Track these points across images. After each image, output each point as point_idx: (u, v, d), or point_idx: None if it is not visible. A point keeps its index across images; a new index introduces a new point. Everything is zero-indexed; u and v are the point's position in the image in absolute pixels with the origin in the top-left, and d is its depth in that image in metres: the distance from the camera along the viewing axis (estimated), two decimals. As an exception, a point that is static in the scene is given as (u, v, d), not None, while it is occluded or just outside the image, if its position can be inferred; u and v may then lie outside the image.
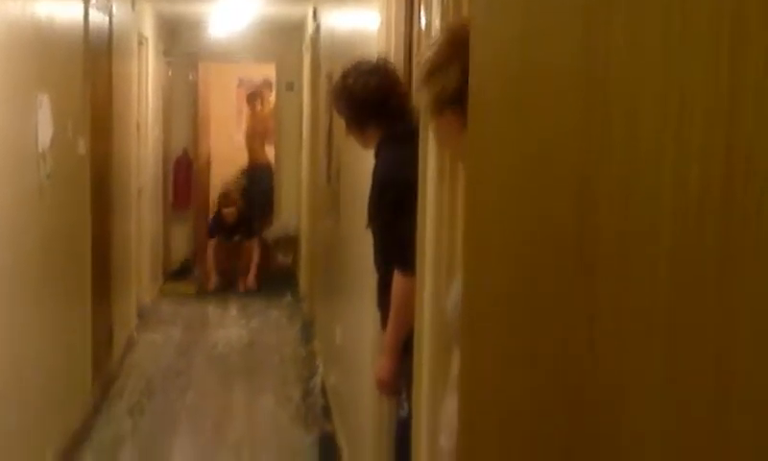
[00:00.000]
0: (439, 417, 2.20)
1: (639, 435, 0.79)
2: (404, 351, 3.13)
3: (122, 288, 7.45)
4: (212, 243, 9.93)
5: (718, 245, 0.66)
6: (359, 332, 4.55)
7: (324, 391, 6.25)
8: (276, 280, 10.40)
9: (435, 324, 2.52)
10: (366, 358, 4.13)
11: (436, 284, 2.50)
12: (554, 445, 1.01)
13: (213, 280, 9.94)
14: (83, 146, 5.60)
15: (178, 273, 10.82)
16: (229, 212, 9.92)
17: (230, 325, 8.61)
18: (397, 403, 3.34)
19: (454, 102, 1.93)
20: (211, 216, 10.47)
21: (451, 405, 2.01)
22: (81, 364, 5.75)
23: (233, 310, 9.19)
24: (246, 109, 12.57)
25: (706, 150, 0.69)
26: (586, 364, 0.90)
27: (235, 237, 10.00)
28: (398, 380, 3.25)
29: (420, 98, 2.21)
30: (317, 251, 8.23)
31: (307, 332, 8.10)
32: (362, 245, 4.24)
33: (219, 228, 10.04)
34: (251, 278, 10.00)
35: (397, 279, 3.10)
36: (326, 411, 5.90)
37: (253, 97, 12.47)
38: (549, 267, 1.06)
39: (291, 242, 10.84)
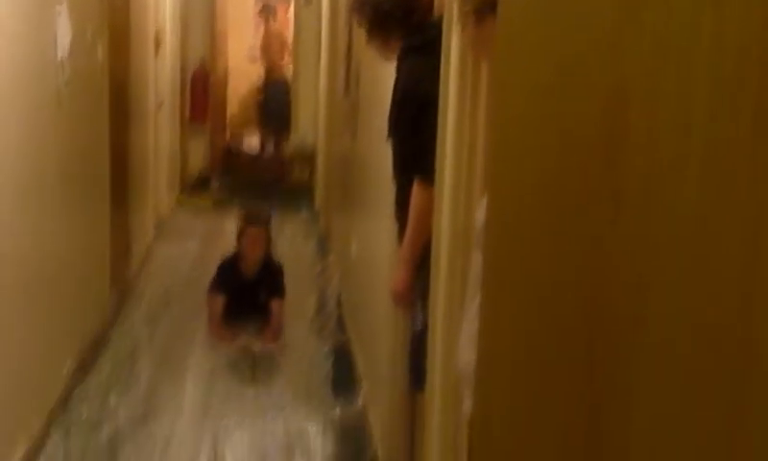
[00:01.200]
0: (460, 336, 2.21)
1: (666, 328, 0.79)
2: (420, 264, 3.15)
3: (139, 200, 7.48)
4: (218, 301, 5.84)
5: (751, 140, 0.66)
6: (375, 246, 4.57)
7: (339, 304, 6.31)
8: (293, 196, 10.42)
9: (453, 236, 2.53)
10: (381, 272, 4.16)
11: (455, 196, 2.50)
12: (578, 345, 1.02)
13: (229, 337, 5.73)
14: (101, 52, 5.58)
15: (195, 186, 10.86)
16: (252, 259, 5.95)
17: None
18: (412, 316, 3.36)
19: (495, 9, 1.92)
20: (221, 263, 6.12)
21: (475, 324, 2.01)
22: (99, 274, 5.81)
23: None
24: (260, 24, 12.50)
25: (742, 47, 0.68)
26: (611, 266, 0.91)
27: (258, 297, 5.89)
28: (413, 293, 3.28)
29: (457, 6, 2.18)
30: (333, 165, 8.23)
31: (323, 247, 8.14)
32: (379, 158, 4.24)
33: (232, 281, 5.89)
34: (271, 332, 5.73)
35: (416, 192, 3.11)
36: (341, 324, 5.96)
37: (265, 11, 12.36)
38: (576, 173, 1.06)
39: (307, 157, 10.83)
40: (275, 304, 5.85)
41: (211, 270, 7.41)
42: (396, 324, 3.83)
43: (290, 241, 8.50)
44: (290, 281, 7.04)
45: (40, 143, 4.30)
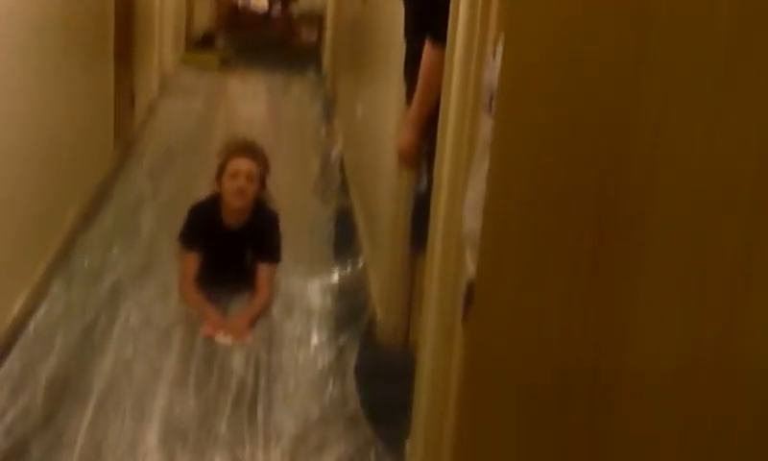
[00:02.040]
0: (465, 201, 2.19)
1: (673, 198, 0.78)
2: (428, 126, 3.12)
3: (144, 55, 7.40)
4: (191, 257, 4.29)
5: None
6: (381, 110, 4.54)
7: (342, 167, 6.30)
8: (300, 57, 10.30)
9: (462, 98, 2.50)
10: (386, 135, 4.13)
11: (466, 57, 2.46)
12: (588, 213, 1.01)
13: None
14: None
15: (200, 44, 10.72)
16: (237, 206, 4.32)
17: (252, 98, 8.59)
18: (417, 178, 3.36)
19: None
20: (194, 206, 4.52)
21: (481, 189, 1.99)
22: (103, 127, 5.79)
23: (255, 84, 9.14)
24: None
25: None
26: (627, 136, 0.89)
27: (242, 256, 4.37)
28: (420, 154, 3.26)
29: None
30: (343, 28, 8.11)
31: (328, 109, 8.08)
32: (390, 22, 4.17)
33: (209, 231, 4.37)
34: (247, 314, 4.10)
35: (427, 52, 3.06)
36: (344, 187, 5.96)
37: None
38: (599, 36, 1.03)
39: (316, 18, 10.67)
40: (262, 271, 4.26)
41: (216, 130, 7.38)
42: (400, 186, 3.83)
43: (296, 102, 8.44)
44: (294, 142, 7.02)
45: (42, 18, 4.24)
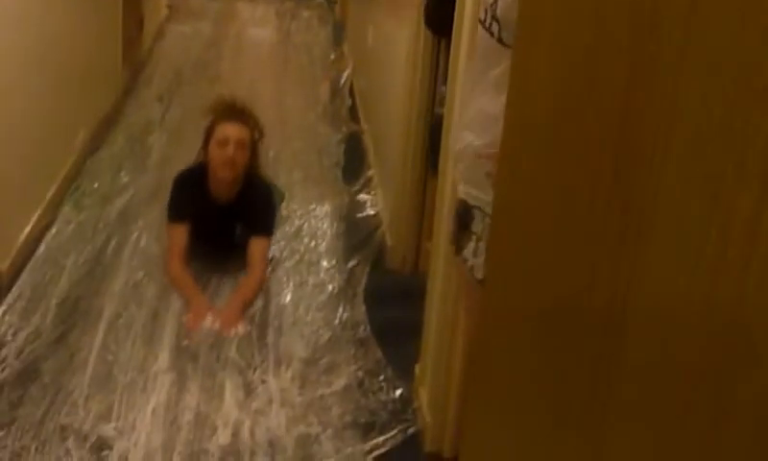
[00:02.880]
0: (467, 114, 2.17)
1: (693, 140, 0.77)
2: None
3: (152, -23, 7.32)
4: (179, 230, 3.85)
5: None
6: (392, 34, 4.49)
7: (352, 93, 6.25)
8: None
9: (473, 18, 2.47)
10: (398, 59, 4.09)
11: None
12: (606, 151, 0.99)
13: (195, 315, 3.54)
14: None
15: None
16: (224, 178, 3.84)
17: (261, 22, 8.50)
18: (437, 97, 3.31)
19: None
20: (178, 176, 4.05)
21: (489, 105, 1.97)
22: (111, 50, 5.74)
23: (264, 8, 9.04)
24: None
25: None
26: (647, 83, 0.87)
27: (231, 231, 3.94)
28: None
29: None
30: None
31: (338, 35, 8.00)
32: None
33: (196, 204, 3.91)
34: (236, 307, 3.56)
35: None
36: (354, 112, 5.92)
37: None
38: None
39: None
40: (254, 246, 3.82)
41: (224, 54, 7.29)
42: (410, 111, 3.80)
43: (305, 27, 8.36)
44: (303, 67, 6.95)
45: None
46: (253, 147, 3.95)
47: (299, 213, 4.38)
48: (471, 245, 2.05)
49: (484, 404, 1.22)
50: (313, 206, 4.48)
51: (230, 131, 3.82)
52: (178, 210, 3.89)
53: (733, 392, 0.72)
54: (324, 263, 3.97)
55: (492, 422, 1.20)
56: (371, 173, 4.89)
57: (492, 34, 1.97)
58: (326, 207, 4.49)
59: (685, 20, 0.79)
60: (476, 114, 2.05)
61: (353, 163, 5.09)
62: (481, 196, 2.00)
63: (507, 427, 1.15)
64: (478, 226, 2.03)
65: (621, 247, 0.91)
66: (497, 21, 1.96)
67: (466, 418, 1.47)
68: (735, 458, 0.71)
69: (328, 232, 4.26)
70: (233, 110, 3.94)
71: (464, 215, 2.07)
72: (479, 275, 2.01)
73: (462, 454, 1.43)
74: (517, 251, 1.18)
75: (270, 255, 3.91)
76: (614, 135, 0.93)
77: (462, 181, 2.12)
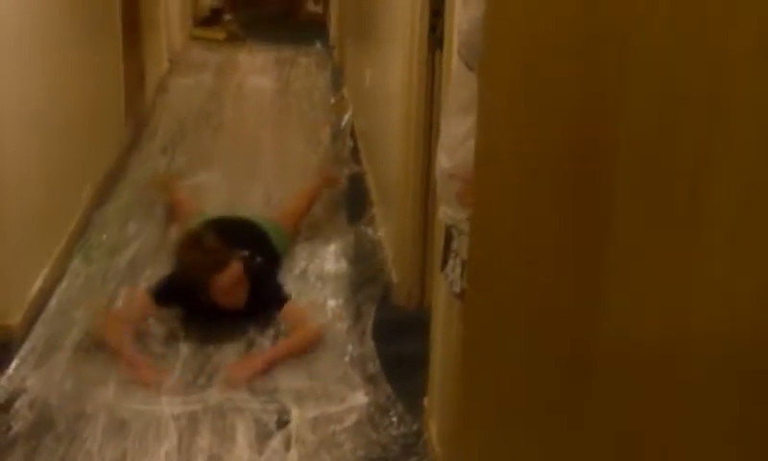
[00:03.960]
0: (441, 137, 2.23)
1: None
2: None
3: (152, 33, 7.42)
4: (146, 302, 3.76)
5: None
6: (389, 74, 4.56)
7: (353, 134, 6.32)
8: (307, 29, 10.30)
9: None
10: (395, 98, 4.15)
11: None
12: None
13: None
14: None
15: (207, 20, 10.72)
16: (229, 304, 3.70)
17: (261, 71, 8.61)
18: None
19: None
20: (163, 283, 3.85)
21: (456, 127, 2.05)
22: (114, 105, 5.82)
23: (264, 57, 9.15)
24: None
25: None
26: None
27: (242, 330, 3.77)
28: None
29: None
30: (347, -3, 8.11)
31: (337, 79, 8.10)
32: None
33: (197, 310, 3.77)
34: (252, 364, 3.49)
35: None
36: (355, 153, 5.99)
37: None
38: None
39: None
40: (287, 313, 3.75)
41: (226, 103, 7.39)
42: (410, 151, 3.86)
43: (304, 73, 8.46)
44: (304, 113, 7.04)
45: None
46: (245, 262, 3.72)
47: (304, 255, 4.43)
48: (451, 262, 2.13)
49: (475, 408, 1.26)
50: (318, 248, 4.53)
51: (231, 276, 3.62)
52: (164, 299, 3.73)
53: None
54: (332, 303, 4.01)
55: (483, 429, 1.24)
56: (374, 212, 4.95)
57: (460, 57, 2.04)
58: (332, 248, 4.54)
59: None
60: (447, 136, 2.13)
61: (356, 204, 5.14)
62: (454, 215, 2.09)
63: (496, 430, 1.19)
64: (455, 243, 2.11)
65: (585, 261, 0.96)
66: (463, 46, 2.03)
67: (460, 427, 1.51)
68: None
69: (334, 272, 4.31)
70: (218, 257, 3.64)
71: (446, 234, 2.16)
72: (456, 289, 2.10)
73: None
74: (493, 267, 1.22)
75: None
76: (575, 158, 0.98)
77: (441, 202, 2.21)
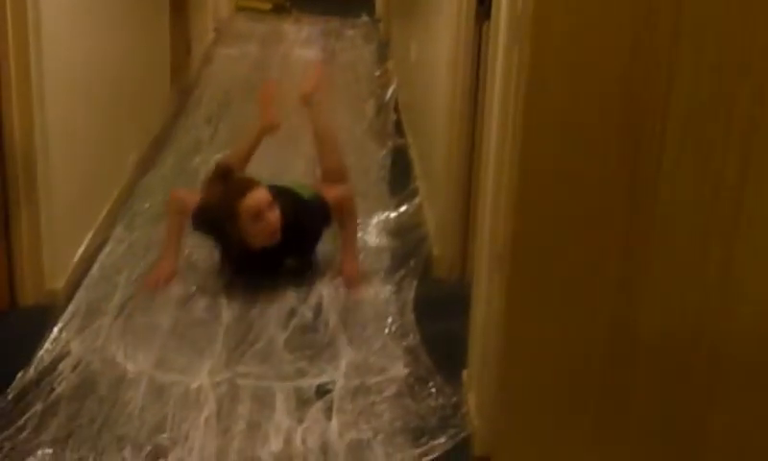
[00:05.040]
0: None
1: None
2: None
3: (198, 2, 7.44)
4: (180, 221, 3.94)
5: None
6: (434, 49, 4.53)
7: (397, 108, 6.30)
8: (353, 1, 10.26)
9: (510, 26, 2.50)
10: (440, 73, 4.13)
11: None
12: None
13: None
14: None
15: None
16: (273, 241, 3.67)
17: (306, 43, 8.60)
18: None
19: None
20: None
21: None
22: (160, 74, 5.85)
23: (309, 29, 9.14)
24: None
25: None
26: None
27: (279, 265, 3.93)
28: None
29: None
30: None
31: (382, 52, 8.07)
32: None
33: (232, 251, 3.84)
34: (354, 268, 3.95)
35: None
36: (399, 127, 5.97)
37: None
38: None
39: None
40: (332, 198, 3.93)
41: (272, 74, 7.38)
42: (453, 124, 3.84)
43: (350, 45, 8.44)
44: (349, 85, 7.02)
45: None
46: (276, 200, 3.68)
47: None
48: None
49: (516, 383, 1.25)
50: (360, 220, 4.52)
51: (255, 201, 3.59)
52: (198, 224, 3.80)
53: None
54: (373, 275, 4.01)
55: (524, 404, 1.23)
56: (416, 185, 4.93)
57: None
58: (374, 220, 4.54)
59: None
60: None
61: (399, 177, 5.13)
62: None
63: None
64: None
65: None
66: None
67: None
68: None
69: (376, 245, 4.30)
70: (244, 185, 3.68)
71: None
72: None
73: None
74: (536, 238, 1.21)
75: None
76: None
77: None
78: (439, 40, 4.28)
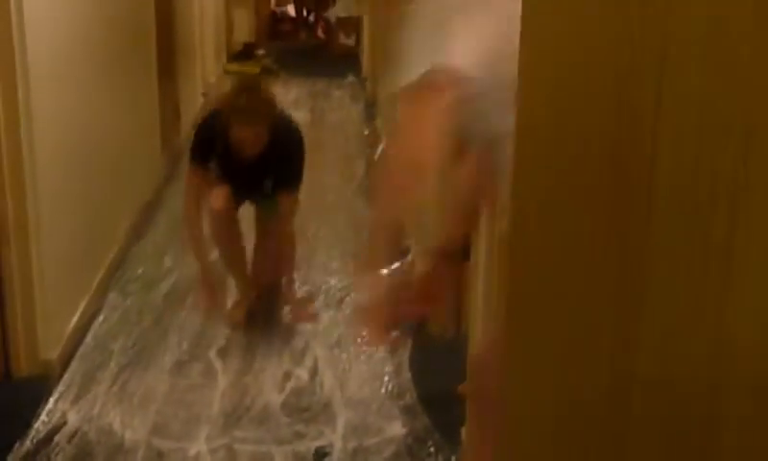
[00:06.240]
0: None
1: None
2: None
3: (187, 68, 7.51)
4: (200, 173, 3.95)
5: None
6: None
7: (387, 166, 6.33)
8: (340, 62, 10.37)
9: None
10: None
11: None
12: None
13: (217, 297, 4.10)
14: None
15: (241, 54, 10.83)
16: (249, 145, 3.81)
17: (295, 104, 8.66)
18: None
19: None
20: (200, 127, 4.13)
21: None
22: (150, 140, 5.89)
23: (297, 91, 9.22)
24: None
25: None
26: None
27: (260, 186, 3.98)
28: None
29: None
30: (380, 30, 8.16)
31: (370, 112, 8.14)
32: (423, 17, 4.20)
33: (222, 158, 3.91)
34: (267, 260, 4.23)
35: None
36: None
37: None
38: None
39: (353, 22, 10.73)
40: (283, 201, 3.97)
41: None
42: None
43: (337, 106, 8.51)
44: (337, 145, 7.06)
45: (88, 11, 4.33)
46: (270, 112, 3.89)
47: (339, 287, 4.44)
48: None
49: (514, 442, 1.26)
50: (350, 282, 4.53)
51: (245, 132, 3.76)
52: (201, 151, 3.93)
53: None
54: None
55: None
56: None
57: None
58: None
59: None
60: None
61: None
62: None
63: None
64: None
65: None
66: None
67: None
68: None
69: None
70: (244, 115, 3.77)
71: None
72: None
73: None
74: (530, 298, 1.22)
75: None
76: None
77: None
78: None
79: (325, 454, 3.12)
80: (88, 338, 3.93)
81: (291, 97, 8.97)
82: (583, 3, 1.09)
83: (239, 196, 4.02)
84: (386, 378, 3.62)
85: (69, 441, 3.18)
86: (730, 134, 0.82)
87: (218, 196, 3.87)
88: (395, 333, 2.28)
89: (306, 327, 4.06)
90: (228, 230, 4.03)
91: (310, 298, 4.32)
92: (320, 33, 12.02)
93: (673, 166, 0.89)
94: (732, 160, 0.82)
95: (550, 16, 1.20)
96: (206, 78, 8.80)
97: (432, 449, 3.13)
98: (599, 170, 1.06)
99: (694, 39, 0.87)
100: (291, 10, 12.64)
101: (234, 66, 10.28)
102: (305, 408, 3.41)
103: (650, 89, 0.95)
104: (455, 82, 1.87)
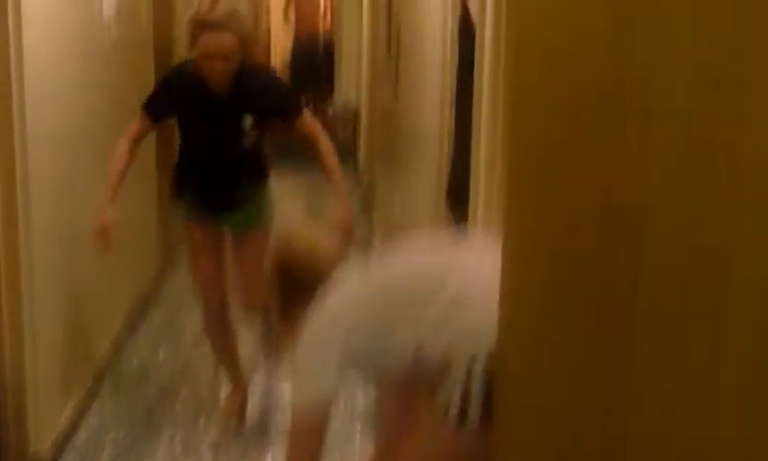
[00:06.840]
0: None
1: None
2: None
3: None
4: (144, 121, 3.84)
5: None
6: (418, 205, 4.61)
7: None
8: (336, 153, 10.44)
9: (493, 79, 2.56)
10: (423, 225, 4.20)
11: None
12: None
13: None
14: (146, 15, 5.66)
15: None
16: (216, 76, 3.57)
17: (289, 196, 8.72)
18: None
19: None
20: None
21: None
22: (146, 232, 5.91)
23: (291, 181, 9.27)
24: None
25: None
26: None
27: (238, 131, 3.76)
28: None
29: None
30: (377, 125, 8.26)
31: (366, 205, 8.18)
32: (421, 117, 4.28)
33: (192, 99, 3.70)
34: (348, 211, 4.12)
35: None
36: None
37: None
38: None
39: (350, 116, 10.82)
40: (301, 124, 3.95)
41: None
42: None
43: (334, 198, 8.54)
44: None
45: (88, 99, 4.40)
46: (244, 50, 3.57)
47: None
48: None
49: None
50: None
51: (211, 41, 3.46)
52: (155, 104, 3.68)
53: None
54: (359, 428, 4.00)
55: None
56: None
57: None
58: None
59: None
60: None
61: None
62: None
63: None
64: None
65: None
66: None
67: None
68: None
69: (362, 412, 4.30)
70: (211, 22, 3.49)
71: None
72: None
73: None
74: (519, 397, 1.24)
75: None
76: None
77: None
78: (421, 193, 4.37)
79: None
80: (81, 431, 3.91)
81: (286, 186, 9.01)
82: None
83: (216, 147, 3.73)
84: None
85: None
86: (706, 259, 0.85)
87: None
88: None
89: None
90: (218, 323, 4.02)
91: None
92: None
93: (656, 292, 0.92)
94: (709, 288, 0.85)
95: (534, 135, 1.25)
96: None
97: None
98: (588, 282, 1.09)
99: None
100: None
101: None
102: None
103: (633, 221, 0.98)
104: None
